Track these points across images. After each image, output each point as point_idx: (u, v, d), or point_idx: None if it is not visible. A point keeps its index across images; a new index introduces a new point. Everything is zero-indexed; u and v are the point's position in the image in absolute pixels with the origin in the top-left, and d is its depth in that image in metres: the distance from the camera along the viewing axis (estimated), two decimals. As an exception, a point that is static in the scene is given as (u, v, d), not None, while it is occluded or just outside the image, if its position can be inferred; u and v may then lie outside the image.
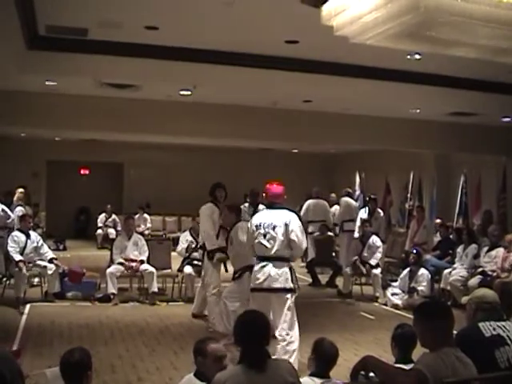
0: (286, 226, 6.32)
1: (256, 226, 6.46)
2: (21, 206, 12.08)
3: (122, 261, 10.20)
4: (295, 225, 6.34)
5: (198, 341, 4.28)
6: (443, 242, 11.86)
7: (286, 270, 6.34)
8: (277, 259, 6.33)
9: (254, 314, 3.61)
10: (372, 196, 13.64)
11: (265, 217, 6.51)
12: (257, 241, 6.42)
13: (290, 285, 6.32)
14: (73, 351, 3.78)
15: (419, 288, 9.99)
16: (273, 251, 6.34)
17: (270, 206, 6.63)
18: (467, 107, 10.90)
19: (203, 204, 8.75)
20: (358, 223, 12.46)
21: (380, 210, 13.31)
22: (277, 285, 6.29)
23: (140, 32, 7.40)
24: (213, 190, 8.72)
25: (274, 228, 6.34)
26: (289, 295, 6.33)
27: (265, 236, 6.37)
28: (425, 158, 16.08)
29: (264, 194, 6.84)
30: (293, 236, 6.30)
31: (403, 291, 10.19)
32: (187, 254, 10.37)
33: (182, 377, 4.35)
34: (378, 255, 10.96)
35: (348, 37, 5.02)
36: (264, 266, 6.35)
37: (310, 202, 13.99)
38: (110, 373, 6.38)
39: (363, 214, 12.82)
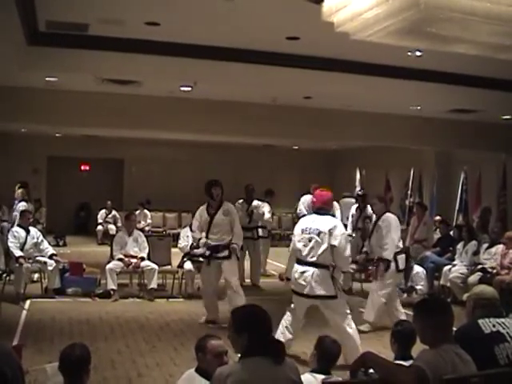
0: (330, 232, 6.37)
1: (302, 229, 6.55)
2: (24, 201, 12.08)
3: (122, 256, 10.21)
4: (339, 231, 6.40)
5: (200, 338, 4.30)
6: (443, 239, 11.86)
7: (327, 276, 6.40)
8: (319, 266, 6.38)
9: (254, 308, 3.58)
10: (359, 192, 13.55)
11: (311, 222, 6.57)
12: (301, 244, 6.49)
13: (331, 292, 6.43)
14: (73, 347, 3.80)
15: (417, 287, 9.99)
16: (315, 257, 6.40)
17: (317, 212, 6.65)
18: (468, 104, 10.89)
19: (203, 200, 8.74)
20: (350, 220, 12.40)
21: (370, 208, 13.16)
22: (318, 292, 6.40)
23: (141, 28, 7.40)
24: (208, 188, 8.42)
25: (318, 234, 6.40)
26: (331, 301, 6.48)
27: (310, 240, 6.43)
28: (425, 155, 16.09)
29: (314, 200, 6.89)
30: (333, 241, 6.35)
31: (401, 289, 10.15)
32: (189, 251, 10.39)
33: (182, 373, 4.36)
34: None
35: (349, 33, 5.01)
36: (305, 272, 6.44)
37: (305, 197, 14.05)
38: (110, 368, 6.39)
39: (353, 210, 12.66)
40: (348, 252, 6.51)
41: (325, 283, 6.38)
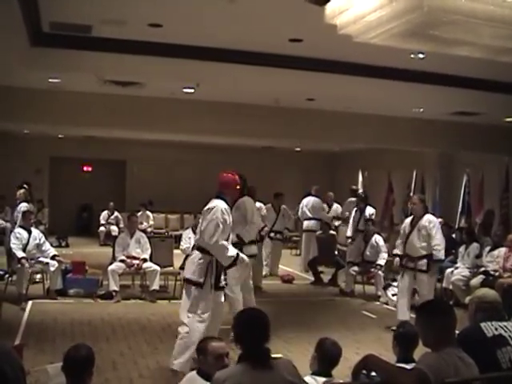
0: (203, 215, 6.12)
1: (202, 212, 6.33)
2: (26, 201, 12.09)
3: (124, 258, 10.22)
4: (209, 216, 5.98)
5: (201, 340, 4.31)
6: (445, 242, 11.82)
7: (200, 261, 6.01)
8: (197, 249, 6.14)
9: (253, 312, 3.61)
10: (360, 193, 13.36)
11: (208, 206, 6.31)
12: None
13: (196, 278, 5.99)
14: (78, 347, 3.80)
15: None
16: (196, 241, 6.30)
17: (216, 196, 6.33)
18: (470, 107, 10.88)
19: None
20: (351, 222, 12.30)
21: (371, 208, 12.98)
22: (186, 275, 6.16)
23: (144, 29, 7.40)
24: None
25: (203, 217, 6.22)
26: (193, 288, 6.01)
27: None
28: (428, 157, 16.08)
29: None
30: (201, 226, 6.09)
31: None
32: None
33: (183, 375, 4.37)
34: (385, 255, 10.92)
35: (352, 35, 5.01)
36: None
37: (305, 199, 14.08)
38: (112, 370, 6.40)
39: (353, 212, 12.50)
40: (214, 239, 5.89)
41: (194, 267, 6.04)
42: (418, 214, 8.44)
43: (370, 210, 12.38)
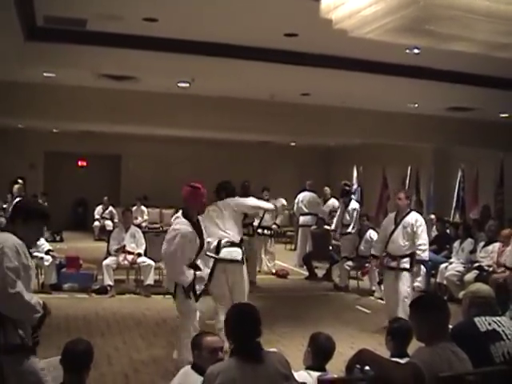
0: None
1: None
2: (21, 196, 12.07)
3: (118, 247, 10.30)
4: (170, 240, 6.14)
5: (195, 335, 4.32)
6: (440, 237, 11.88)
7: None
8: None
9: (244, 307, 3.62)
10: (346, 188, 13.12)
11: None
12: None
13: (170, 288, 6.26)
14: (76, 342, 3.81)
15: (415, 284, 9.95)
16: None
17: (182, 210, 6.25)
18: (466, 102, 10.90)
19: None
20: (336, 217, 12.24)
21: (355, 203, 12.39)
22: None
23: (139, 24, 7.37)
24: (217, 192, 7.45)
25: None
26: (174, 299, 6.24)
27: None
28: (423, 153, 16.11)
29: None
30: None
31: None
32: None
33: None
34: None
35: (347, 30, 5.00)
36: None
37: (300, 194, 14.08)
38: (107, 364, 6.41)
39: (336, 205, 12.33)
40: (175, 266, 6.11)
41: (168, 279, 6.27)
42: (404, 210, 8.07)
43: (353, 205, 12.05)
